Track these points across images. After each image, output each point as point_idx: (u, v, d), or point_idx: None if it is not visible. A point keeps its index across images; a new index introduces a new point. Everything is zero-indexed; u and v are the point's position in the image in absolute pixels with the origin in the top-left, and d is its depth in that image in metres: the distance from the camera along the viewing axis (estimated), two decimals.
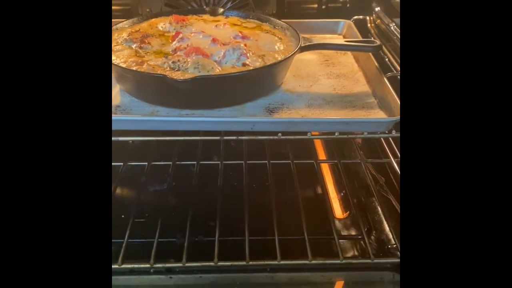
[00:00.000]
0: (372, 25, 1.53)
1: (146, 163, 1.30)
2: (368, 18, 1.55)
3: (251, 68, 1.01)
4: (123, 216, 1.17)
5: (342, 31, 1.46)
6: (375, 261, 0.98)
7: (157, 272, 0.97)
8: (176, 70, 1.00)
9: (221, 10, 1.33)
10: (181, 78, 0.94)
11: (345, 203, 1.25)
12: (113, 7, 1.59)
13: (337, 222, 1.19)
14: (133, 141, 1.19)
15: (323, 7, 1.62)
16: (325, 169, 1.38)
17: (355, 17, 1.54)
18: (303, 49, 1.10)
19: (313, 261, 0.96)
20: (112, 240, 1.05)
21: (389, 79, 1.08)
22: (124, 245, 1.00)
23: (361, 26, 1.47)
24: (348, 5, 1.62)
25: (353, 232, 1.16)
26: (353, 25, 1.43)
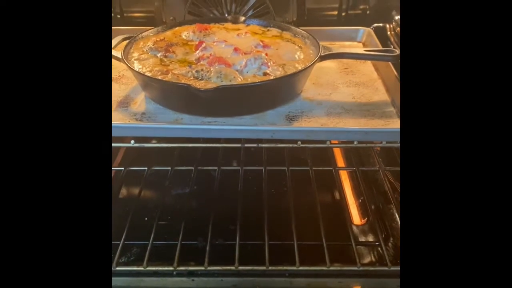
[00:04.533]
0: (392, 33, 1.53)
1: (170, 168, 1.34)
2: (388, 26, 1.55)
3: (272, 77, 1.03)
4: (146, 218, 1.21)
5: (361, 38, 1.47)
6: (392, 268, 0.99)
7: (180, 274, 1.01)
8: (200, 79, 1.03)
9: (243, 18, 1.35)
10: (204, 87, 0.96)
11: (363, 210, 1.26)
12: (136, 14, 1.64)
13: (354, 228, 1.21)
14: (157, 147, 1.22)
15: (343, 14, 1.63)
16: (344, 176, 1.40)
17: (375, 24, 1.55)
18: (322, 58, 1.12)
19: (331, 268, 0.98)
20: (137, 242, 1.12)
21: None
22: (149, 247, 1.03)
23: (381, 34, 1.48)
24: (368, 13, 1.62)
25: (370, 239, 1.17)
26: (372, 33, 1.44)
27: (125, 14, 1.62)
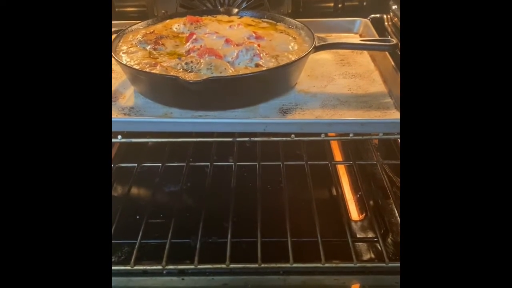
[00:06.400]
0: (389, 23, 1.50)
1: (161, 164, 1.31)
2: (385, 16, 1.52)
3: (264, 68, 1.00)
4: (137, 216, 1.18)
5: (358, 30, 1.44)
6: (390, 265, 0.96)
7: (170, 273, 0.98)
8: (189, 72, 1.00)
9: (236, 10, 1.32)
10: (194, 79, 0.93)
11: (361, 205, 1.23)
12: (129, 9, 1.61)
13: (352, 224, 1.18)
14: (147, 142, 1.20)
15: (340, 5, 1.60)
16: (342, 171, 1.37)
17: (372, 15, 1.51)
18: (317, 48, 1.09)
19: (326, 264, 0.95)
20: (125, 241, 1.09)
21: None
22: (136, 246, 1.01)
23: (378, 25, 1.45)
24: (365, 4, 1.59)
25: (368, 235, 1.14)
26: (369, 24, 1.40)
27: (117, 9, 1.60)
